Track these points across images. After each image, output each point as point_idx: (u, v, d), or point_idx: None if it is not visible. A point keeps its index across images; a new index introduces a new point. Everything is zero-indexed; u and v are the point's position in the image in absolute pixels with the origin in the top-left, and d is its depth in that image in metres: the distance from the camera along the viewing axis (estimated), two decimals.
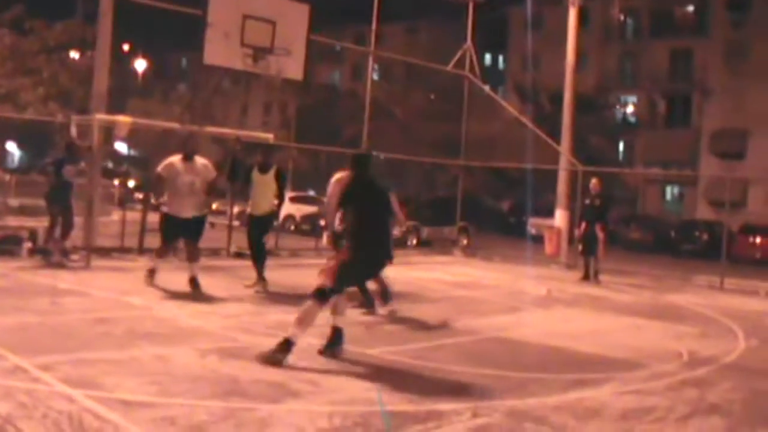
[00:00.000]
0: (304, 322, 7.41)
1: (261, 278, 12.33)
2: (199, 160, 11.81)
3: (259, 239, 12.41)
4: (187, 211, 11.60)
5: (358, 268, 7.93)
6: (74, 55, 29.70)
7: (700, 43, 51.50)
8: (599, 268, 17.72)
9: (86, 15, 20.79)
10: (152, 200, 12.20)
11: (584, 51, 40.65)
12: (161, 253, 12.01)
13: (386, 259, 8.17)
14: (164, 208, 11.71)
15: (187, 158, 11.69)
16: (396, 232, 11.10)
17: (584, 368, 8.27)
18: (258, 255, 12.48)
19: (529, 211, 38.93)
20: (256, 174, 12.43)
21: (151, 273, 11.86)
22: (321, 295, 7.46)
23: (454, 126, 38.04)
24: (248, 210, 12.71)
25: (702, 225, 38.68)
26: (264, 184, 12.39)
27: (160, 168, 11.73)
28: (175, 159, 11.69)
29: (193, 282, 11.62)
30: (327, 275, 7.57)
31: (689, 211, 48.63)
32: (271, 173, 12.42)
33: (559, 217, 22.62)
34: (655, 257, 29.39)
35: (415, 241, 27.07)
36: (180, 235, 11.97)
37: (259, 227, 12.50)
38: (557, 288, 15.59)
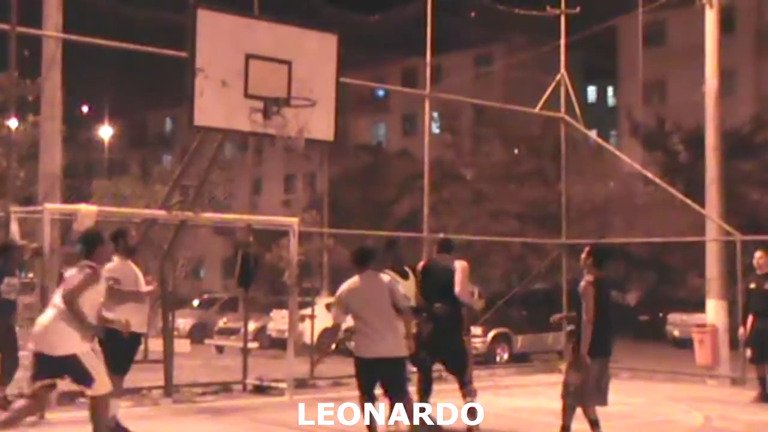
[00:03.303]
0: None
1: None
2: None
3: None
4: (145, 326, 12.57)
5: None
6: (10, 123, 30.06)
7: None
8: None
9: (23, 67, 21.08)
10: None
11: (732, 70, 40.33)
12: (120, 389, 12.13)
13: None
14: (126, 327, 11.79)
15: (127, 257, 12.44)
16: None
17: None
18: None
19: (667, 304, 38.42)
20: (402, 283, 12.67)
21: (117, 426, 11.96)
22: None
23: (548, 190, 38.06)
24: None
25: None
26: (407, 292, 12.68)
27: (109, 272, 11.92)
28: (118, 260, 12.30)
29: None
30: None
31: None
32: (411, 277, 12.95)
33: (713, 311, 22.13)
34: None
35: (506, 356, 26.71)
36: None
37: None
38: (720, 414, 15.13)
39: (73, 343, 9.95)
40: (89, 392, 10.12)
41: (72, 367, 9.91)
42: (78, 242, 10.92)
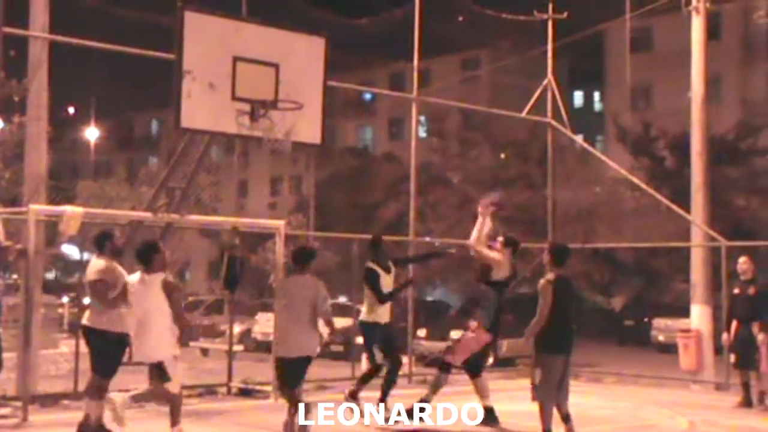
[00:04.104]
0: None
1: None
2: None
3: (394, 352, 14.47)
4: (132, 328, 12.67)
5: None
6: None
7: None
8: (766, 388, 17.22)
9: (9, 67, 21.01)
10: (85, 320, 12.33)
11: (717, 76, 40.43)
12: (105, 392, 12.21)
13: None
14: (114, 328, 12.14)
15: (113, 259, 12.51)
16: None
17: None
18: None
19: (652, 309, 38.44)
20: (383, 276, 14.23)
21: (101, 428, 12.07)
22: None
23: (535, 194, 38.06)
24: (370, 318, 14.36)
25: None
26: (389, 286, 14.34)
27: (99, 274, 12.20)
28: (105, 261, 12.34)
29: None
30: None
31: None
32: (393, 271, 14.46)
33: (698, 316, 22.18)
34: None
35: (491, 360, 26.70)
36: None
37: (391, 336, 14.51)
38: (704, 419, 15.15)
39: (165, 350, 11.44)
40: (168, 388, 11.46)
41: (159, 369, 11.39)
42: (138, 252, 11.85)
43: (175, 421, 11.50)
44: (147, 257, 11.65)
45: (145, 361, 11.66)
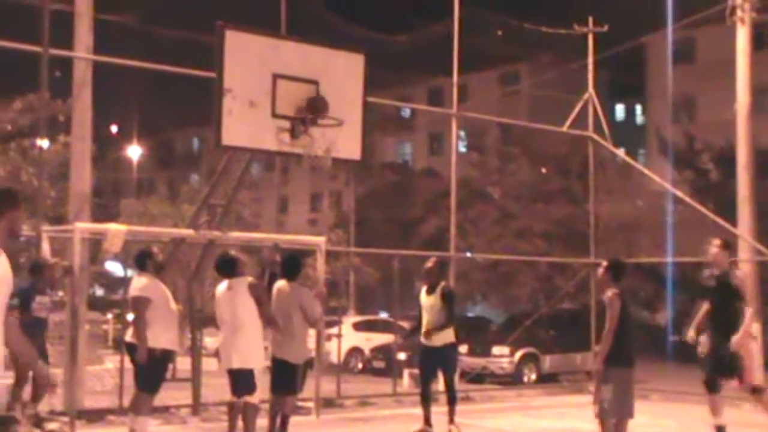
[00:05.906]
0: None
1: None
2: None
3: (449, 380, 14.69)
4: (176, 344, 12.98)
5: None
6: (41, 142, 30.32)
7: None
8: None
9: (54, 87, 21.21)
10: (129, 337, 12.48)
11: (763, 86, 40.17)
12: (149, 407, 12.54)
13: None
14: (157, 344, 12.19)
15: (156, 276, 12.63)
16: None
17: None
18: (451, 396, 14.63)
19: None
20: (423, 295, 14.56)
21: None
22: None
23: (577, 209, 37.94)
24: (421, 338, 14.65)
25: None
26: (431, 307, 14.38)
27: (141, 291, 12.32)
28: (147, 279, 12.47)
29: None
30: None
31: None
32: (438, 292, 14.41)
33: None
34: None
35: (534, 376, 26.63)
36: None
37: (438, 362, 14.58)
38: None
39: (258, 359, 12.20)
40: (248, 398, 12.05)
41: (246, 377, 11.94)
42: (216, 267, 12.70)
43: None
44: (230, 270, 12.30)
45: (236, 367, 12.01)
